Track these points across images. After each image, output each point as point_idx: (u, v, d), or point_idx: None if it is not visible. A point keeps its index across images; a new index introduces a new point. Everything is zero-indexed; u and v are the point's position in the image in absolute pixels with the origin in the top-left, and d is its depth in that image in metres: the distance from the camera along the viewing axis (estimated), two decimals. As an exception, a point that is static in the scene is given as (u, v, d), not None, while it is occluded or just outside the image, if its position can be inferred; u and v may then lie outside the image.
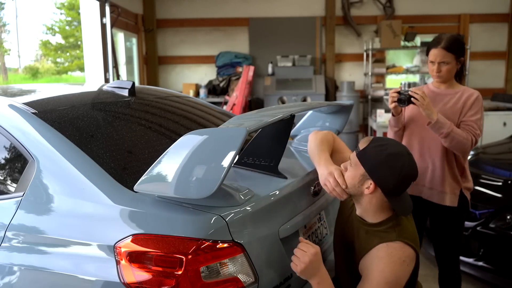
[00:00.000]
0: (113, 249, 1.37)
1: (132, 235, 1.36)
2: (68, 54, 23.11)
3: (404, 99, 2.27)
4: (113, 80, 5.60)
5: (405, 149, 1.61)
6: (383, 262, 1.56)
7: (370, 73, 7.21)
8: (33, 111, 1.75)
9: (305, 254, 1.52)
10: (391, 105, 2.34)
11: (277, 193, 1.66)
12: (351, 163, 1.62)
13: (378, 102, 7.37)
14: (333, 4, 7.39)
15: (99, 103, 2.06)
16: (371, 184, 1.56)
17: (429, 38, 7.34)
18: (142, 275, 1.34)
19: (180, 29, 7.61)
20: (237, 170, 1.85)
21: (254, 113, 1.86)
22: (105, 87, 2.30)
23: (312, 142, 1.84)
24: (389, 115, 3.11)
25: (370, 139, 1.62)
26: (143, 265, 1.34)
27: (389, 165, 1.54)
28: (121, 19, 6.08)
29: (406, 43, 7.19)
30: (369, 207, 1.63)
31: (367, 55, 7.26)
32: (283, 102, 7.02)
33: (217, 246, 1.36)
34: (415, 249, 1.61)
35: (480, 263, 3.13)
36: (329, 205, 2.12)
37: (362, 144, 1.62)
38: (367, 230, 1.65)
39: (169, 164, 1.41)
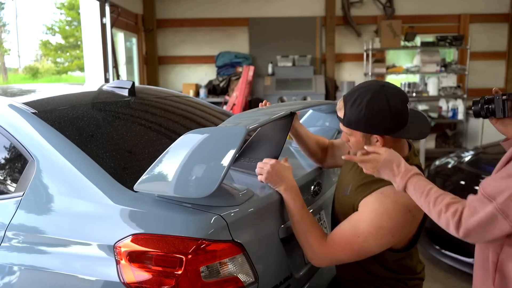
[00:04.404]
0: (113, 249, 1.37)
1: (132, 234, 1.36)
2: (68, 54, 23.10)
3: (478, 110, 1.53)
4: (113, 80, 5.60)
5: (375, 84, 1.53)
6: (384, 202, 1.51)
7: (370, 73, 7.20)
8: (33, 111, 1.74)
9: (266, 165, 1.63)
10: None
11: (277, 193, 1.66)
12: (346, 133, 1.60)
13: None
14: (333, 4, 7.38)
15: (99, 103, 2.05)
16: (376, 138, 1.53)
17: (429, 38, 7.35)
18: (142, 275, 1.33)
19: (180, 29, 7.60)
20: (236, 170, 1.85)
21: (253, 111, 1.86)
22: (105, 87, 2.30)
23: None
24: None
25: (341, 101, 1.57)
26: (143, 265, 1.34)
27: (376, 113, 1.48)
28: (121, 19, 6.07)
29: (406, 43, 7.18)
30: None
31: (367, 55, 7.25)
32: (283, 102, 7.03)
33: (217, 246, 1.36)
34: None
35: (480, 263, 3.12)
36: (329, 205, 2.12)
37: (339, 111, 1.58)
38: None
39: (169, 164, 1.41)
